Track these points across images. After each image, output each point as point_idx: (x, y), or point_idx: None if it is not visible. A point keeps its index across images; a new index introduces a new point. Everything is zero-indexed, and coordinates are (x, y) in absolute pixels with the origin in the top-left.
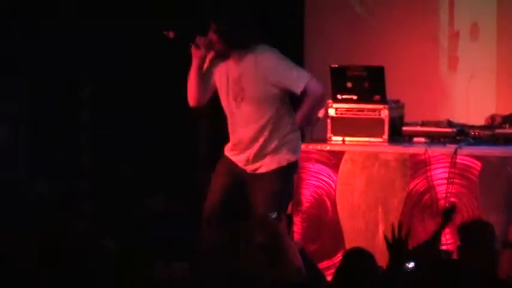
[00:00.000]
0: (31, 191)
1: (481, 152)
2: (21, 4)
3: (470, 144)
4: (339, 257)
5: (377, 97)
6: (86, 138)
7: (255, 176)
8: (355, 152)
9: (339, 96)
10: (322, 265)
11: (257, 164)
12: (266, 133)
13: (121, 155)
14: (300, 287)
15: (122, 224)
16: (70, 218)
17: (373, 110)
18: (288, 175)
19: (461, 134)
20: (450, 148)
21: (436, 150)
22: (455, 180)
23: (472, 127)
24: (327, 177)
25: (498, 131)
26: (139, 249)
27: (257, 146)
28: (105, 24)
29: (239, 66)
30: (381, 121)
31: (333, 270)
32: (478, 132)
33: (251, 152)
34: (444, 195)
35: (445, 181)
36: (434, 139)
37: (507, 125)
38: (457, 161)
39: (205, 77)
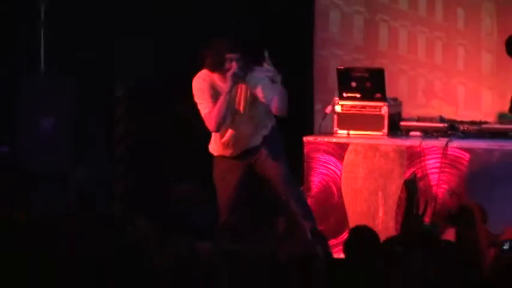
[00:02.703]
0: (72, 178)
1: (469, 145)
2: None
3: (459, 138)
4: (344, 236)
5: (378, 95)
6: (121, 130)
7: (256, 152)
8: (358, 144)
9: (344, 95)
10: (329, 243)
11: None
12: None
13: (152, 146)
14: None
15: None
16: (106, 201)
17: (374, 107)
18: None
19: (452, 129)
20: (442, 141)
21: (430, 143)
22: (446, 170)
23: (462, 122)
24: (333, 166)
25: (484, 126)
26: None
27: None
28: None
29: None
30: (381, 117)
31: (339, 248)
32: (467, 127)
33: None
34: (436, 182)
35: (437, 170)
36: (428, 133)
37: (493, 121)
38: (448, 152)
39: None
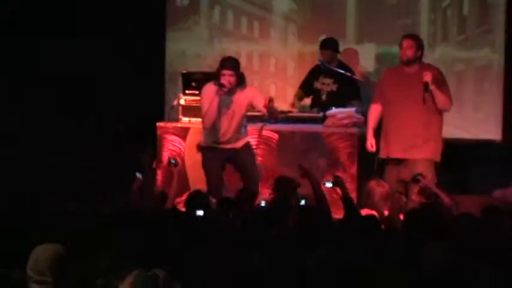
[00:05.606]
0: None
1: (278, 128)
2: None
3: (271, 123)
4: (185, 195)
5: None
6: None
7: (237, 151)
8: (197, 128)
9: (187, 91)
10: (177, 201)
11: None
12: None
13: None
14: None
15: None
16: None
17: None
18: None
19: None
20: (258, 125)
21: (250, 127)
22: (261, 146)
23: None
24: (178, 144)
25: (290, 114)
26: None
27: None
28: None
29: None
30: None
31: (181, 205)
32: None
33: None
34: None
35: (255, 147)
36: (248, 119)
37: (295, 111)
38: (263, 133)
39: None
